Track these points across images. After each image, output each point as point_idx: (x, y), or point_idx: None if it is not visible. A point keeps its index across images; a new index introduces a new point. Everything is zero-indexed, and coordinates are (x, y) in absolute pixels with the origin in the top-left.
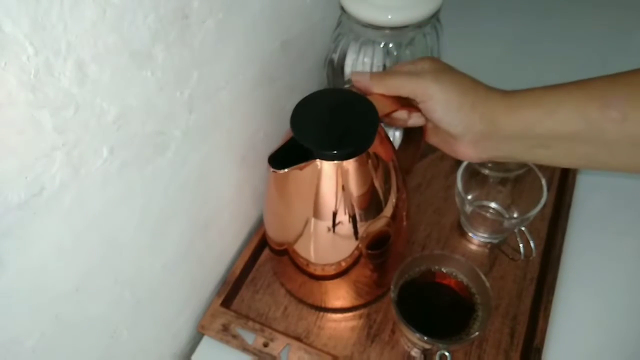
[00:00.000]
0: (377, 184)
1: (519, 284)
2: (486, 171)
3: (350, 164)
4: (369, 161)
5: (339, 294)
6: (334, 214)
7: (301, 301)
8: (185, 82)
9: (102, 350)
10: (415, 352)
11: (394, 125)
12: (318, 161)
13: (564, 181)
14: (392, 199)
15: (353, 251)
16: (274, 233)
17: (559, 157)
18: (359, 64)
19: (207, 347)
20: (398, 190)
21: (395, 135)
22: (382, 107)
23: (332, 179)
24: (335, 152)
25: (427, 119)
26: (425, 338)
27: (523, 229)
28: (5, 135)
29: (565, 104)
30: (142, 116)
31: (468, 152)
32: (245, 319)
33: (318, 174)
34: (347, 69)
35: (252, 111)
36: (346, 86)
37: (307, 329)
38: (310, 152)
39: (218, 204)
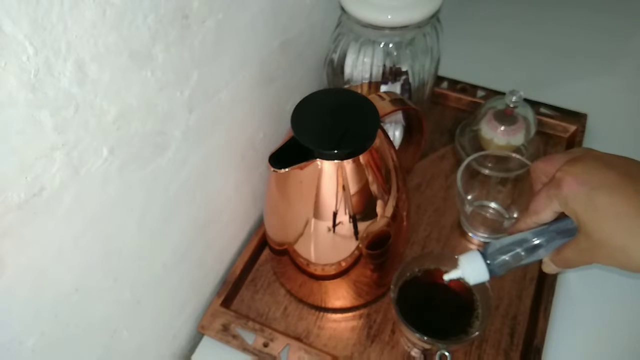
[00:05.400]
0: (377, 184)
1: (519, 284)
2: (486, 171)
3: (350, 164)
4: (370, 161)
5: (339, 294)
6: (334, 214)
7: (301, 301)
8: (185, 82)
9: (102, 350)
10: (415, 352)
11: None
12: (318, 161)
13: None
14: (393, 199)
15: (353, 251)
16: (274, 233)
17: None
18: (359, 64)
19: (207, 347)
20: (398, 190)
21: (396, 135)
22: (382, 107)
23: (332, 178)
24: (335, 151)
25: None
26: (425, 338)
27: None
28: (5, 135)
29: None
30: (142, 116)
31: None
32: (245, 319)
33: (318, 173)
34: (347, 69)
35: (252, 111)
36: (346, 86)
37: (307, 329)
38: (311, 151)
39: (218, 204)
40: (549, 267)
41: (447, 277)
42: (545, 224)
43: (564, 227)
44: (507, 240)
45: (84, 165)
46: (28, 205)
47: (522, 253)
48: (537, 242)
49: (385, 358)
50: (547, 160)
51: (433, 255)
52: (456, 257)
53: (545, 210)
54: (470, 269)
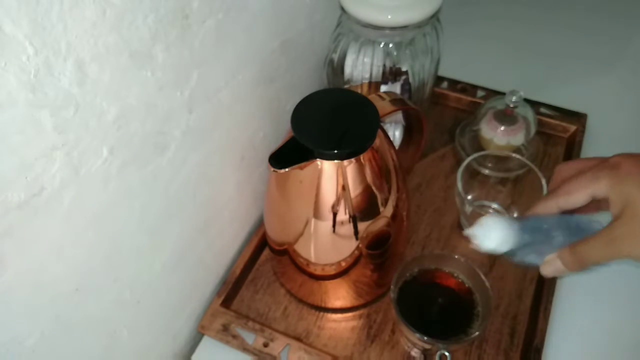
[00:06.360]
0: (377, 184)
1: (519, 284)
2: (486, 171)
3: (350, 164)
4: (370, 161)
5: (339, 294)
6: (334, 214)
7: (301, 301)
8: (185, 82)
9: (102, 350)
10: (415, 352)
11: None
12: (318, 161)
13: None
14: (392, 199)
15: (353, 251)
16: (274, 233)
17: None
18: (359, 64)
19: (207, 347)
20: (398, 190)
21: (396, 135)
22: (382, 107)
23: (332, 178)
24: (335, 151)
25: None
26: (425, 338)
27: None
28: (5, 135)
29: None
30: (142, 116)
31: None
32: (245, 319)
33: (318, 173)
34: (347, 69)
35: (252, 111)
36: (346, 86)
37: (307, 329)
38: (311, 151)
39: (218, 204)
40: (550, 267)
41: (468, 231)
42: (566, 212)
43: (583, 223)
44: (527, 221)
45: (84, 165)
46: (28, 205)
47: (540, 239)
48: (555, 233)
49: (385, 358)
50: (576, 160)
51: (433, 255)
52: (456, 257)
53: (580, 191)
54: (495, 234)
